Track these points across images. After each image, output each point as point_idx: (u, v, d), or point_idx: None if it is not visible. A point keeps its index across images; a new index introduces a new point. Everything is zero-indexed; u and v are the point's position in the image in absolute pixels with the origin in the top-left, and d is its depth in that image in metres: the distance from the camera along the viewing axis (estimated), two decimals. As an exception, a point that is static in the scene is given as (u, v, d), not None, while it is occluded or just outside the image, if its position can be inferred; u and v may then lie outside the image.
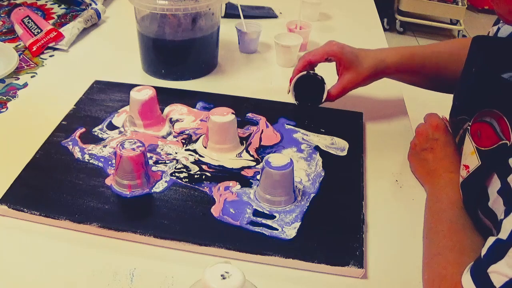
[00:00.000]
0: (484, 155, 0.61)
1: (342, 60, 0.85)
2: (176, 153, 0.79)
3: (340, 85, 0.86)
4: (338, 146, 0.82)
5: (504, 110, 0.58)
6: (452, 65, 0.86)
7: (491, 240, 0.51)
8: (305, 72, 0.87)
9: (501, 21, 0.68)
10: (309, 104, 0.89)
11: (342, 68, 0.86)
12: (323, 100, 0.87)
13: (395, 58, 0.86)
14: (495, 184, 0.57)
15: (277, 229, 0.66)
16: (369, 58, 0.86)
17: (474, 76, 0.66)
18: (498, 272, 0.48)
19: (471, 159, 0.63)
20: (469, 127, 0.65)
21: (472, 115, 0.65)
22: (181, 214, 0.68)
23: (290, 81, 0.88)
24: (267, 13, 1.30)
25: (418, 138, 0.79)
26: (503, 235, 0.50)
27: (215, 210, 0.68)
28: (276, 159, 0.68)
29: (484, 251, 0.51)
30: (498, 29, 0.70)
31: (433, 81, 0.90)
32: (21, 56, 1.05)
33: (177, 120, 0.86)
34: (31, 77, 0.99)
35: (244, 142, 0.81)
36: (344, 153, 0.81)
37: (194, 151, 0.79)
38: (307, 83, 0.87)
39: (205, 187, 0.72)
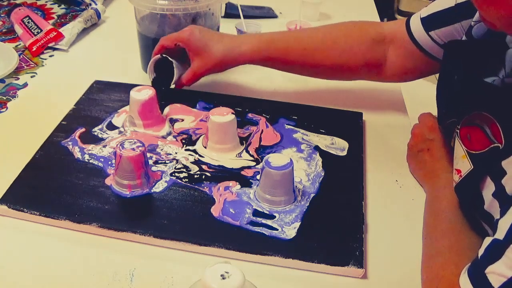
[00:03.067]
0: (475, 158, 0.60)
1: (190, 47, 0.86)
2: (176, 153, 0.79)
3: (191, 71, 0.88)
4: (338, 146, 0.82)
5: (494, 113, 0.57)
6: (320, 51, 0.86)
7: (488, 240, 0.51)
8: (159, 56, 0.88)
9: (473, 21, 0.67)
10: (163, 88, 0.90)
11: (192, 54, 0.87)
12: (172, 83, 0.89)
13: (251, 45, 0.86)
14: (489, 187, 0.57)
15: (277, 229, 0.66)
16: (220, 46, 0.86)
17: (458, 83, 0.64)
18: (496, 272, 0.48)
19: (462, 163, 0.62)
20: (458, 131, 0.64)
21: (460, 118, 0.64)
22: (181, 214, 0.68)
23: None
24: (267, 13, 1.30)
25: (414, 140, 0.79)
26: (500, 235, 0.49)
27: (215, 210, 0.68)
28: (276, 159, 0.68)
29: (481, 251, 0.51)
30: (470, 27, 0.68)
31: (300, 67, 0.89)
32: (21, 56, 1.05)
33: (177, 120, 0.86)
34: (31, 77, 0.99)
35: (244, 142, 0.81)
36: (344, 153, 0.81)
37: (194, 151, 0.79)
38: (164, 67, 0.88)
39: (205, 187, 0.72)
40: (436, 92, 0.72)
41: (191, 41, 0.86)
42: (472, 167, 0.60)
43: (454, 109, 0.66)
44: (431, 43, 0.78)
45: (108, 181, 0.72)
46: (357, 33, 0.86)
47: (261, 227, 0.66)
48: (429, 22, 0.77)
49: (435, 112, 0.79)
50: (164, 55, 0.88)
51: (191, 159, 0.78)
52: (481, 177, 0.58)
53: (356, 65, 0.86)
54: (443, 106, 0.71)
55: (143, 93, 0.82)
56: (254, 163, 0.77)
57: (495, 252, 0.49)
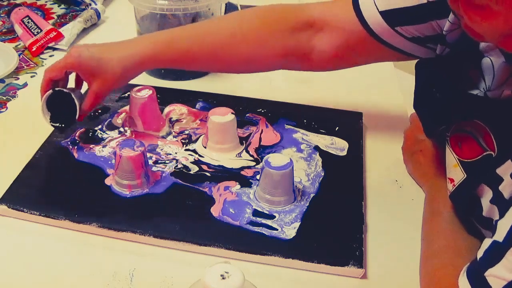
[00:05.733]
0: (468, 167, 0.59)
1: (82, 69, 0.75)
2: (176, 153, 0.79)
3: (92, 94, 0.76)
4: (338, 146, 0.82)
5: (486, 121, 0.56)
6: (228, 47, 0.77)
7: (487, 242, 0.50)
8: (50, 91, 0.75)
9: (445, 30, 0.64)
10: (63, 125, 0.78)
11: (87, 77, 0.75)
12: (77, 115, 0.76)
13: (148, 50, 0.75)
14: (486, 195, 0.56)
15: (276, 229, 0.66)
16: (115, 58, 0.75)
17: (442, 99, 0.62)
18: (496, 275, 0.47)
19: (455, 171, 0.61)
20: (448, 139, 0.63)
21: (449, 125, 0.63)
22: (181, 214, 0.68)
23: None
24: (267, 13, 1.30)
25: (407, 142, 0.79)
26: (499, 236, 0.49)
27: (215, 210, 0.68)
28: (276, 159, 0.68)
29: (480, 253, 0.51)
30: (444, 36, 0.65)
31: (208, 66, 0.84)
32: (21, 56, 1.05)
33: (177, 120, 0.86)
34: (31, 77, 0.99)
35: (244, 142, 0.81)
36: (344, 153, 0.80)
37: (194, 151, 0.79)
38: (60, 101, 0.76)
39: (205, 187, 0.72)
40: (415, 110, 0.69)
41: (82, 63, 0.74)
42: (465, 175, 0.59)
43: (441, 121, 0.64)
44: (397, 37, 0.70)
45: (108, 181, 0.72)
46: (274, 21, 0.76)
47: (261, 227, 0.66)
48: (394, 17, 0.69)
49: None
50: (57, 89, 0.76)
51: (191, 159, 0.78)
52: (476, 185, 0.58)
53: (273, 57, 0.77)
54: (428, 120, 0.68)
55: (143, 93, 0.82)
56: (254, 163, 0.77)
57: (495, 255, 0.48)
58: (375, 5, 0.70)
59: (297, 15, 0.76)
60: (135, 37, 0.78)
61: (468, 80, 0.60)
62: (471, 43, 0.54)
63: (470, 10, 0.45)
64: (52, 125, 0.78)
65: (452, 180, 0.62)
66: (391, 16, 0.69)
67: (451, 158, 0.63)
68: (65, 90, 0.76)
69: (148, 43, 0.76)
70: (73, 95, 0.76)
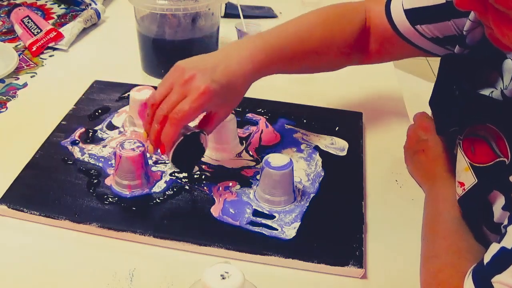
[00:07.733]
0: (480, 172, 0.59)
1: (214, 104, 0.67)
2: (176, 153, 0.79)
3: (218, 122, 0.70)
4: (338, 146, 0.82)
5: (500, 127, 0.56)
6: (320, 51, 0.77)
7: (495, 247, 0.50)
8: (182, 138, 0.66)
9: (465, 30, 0.64)
10: (193, 164, 0.73)
11: (216, 108, 0.69)
12: (205, 148, 0.70)
13: (263, 62, 0.71)
14: (498, 201, 0.56)
15: (276, 229, 0.66)
16: (241, 79, 0.68)
17: (460, 97, 0.61)
18: (503, 282, 0.47)
19: (465, 176, 0.61)
20: (460, 142, 0.63)
21: (462, 128, 0.63)
22: (181, 214, 0.68)
23: (162, 150, 0.66)
24: (267, 13, 1.30)
25: (409, 142, 0.79)
26: (508, 243, 0.48)
27: (215, 210, 0.68)
28: (276, 159, 0.68)
29: (487, 258, 0.50)
30: (464, 36, 0.65)
31: (296, 71, 0.81)
32: (21, 56, 1.05)
33: (177, 120, 0.86)
34: (31, 77, 0.99)
35: (244, 142, 0.81)
36: (344, 153, 0.80)
37: (194, 151, 0.79)
38: (183, 146, 0.67)
39: (205, 187, 0.72)
40: (430, 105, 0.70)
41: (217, 97, 0.65)
42: (476, 180, 0.59)
43: (455, 120, 0.64)
44: (418, 36, 0.73)
45: (108, 181, 0.72)
46: (349, 24, 0.78)
47: (261, 227, 0.66)
48: (415, 16, 0.72)
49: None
50: (188, 133, 0.66)
51: (191, 159, 0.78)
52: (487, 191, 0.57)
53: (346, 58, 0.80)
54: (442, 117, 0.68)
55: (143, 93, 0.82)
56: (254, 163, 0.77)
57: (503, 261, 0.48)
58: (402, 4, 0.74)
59: (359, 16, 0.79)
60: (237, 42, 0.72)
61: (486, 79, 0.60)
62: (492, 46, 0.53)
63: (503, 25, 0.44)
64: (188, 172, 0.72)
65: (462, 184, 0.62)
66: (412, 15, 0.72)
67: (462, 161, 0.62)
68: (196, 130, 0.68)
69: (260, 53, 0.71)
70: (204, 132, 0.69)
